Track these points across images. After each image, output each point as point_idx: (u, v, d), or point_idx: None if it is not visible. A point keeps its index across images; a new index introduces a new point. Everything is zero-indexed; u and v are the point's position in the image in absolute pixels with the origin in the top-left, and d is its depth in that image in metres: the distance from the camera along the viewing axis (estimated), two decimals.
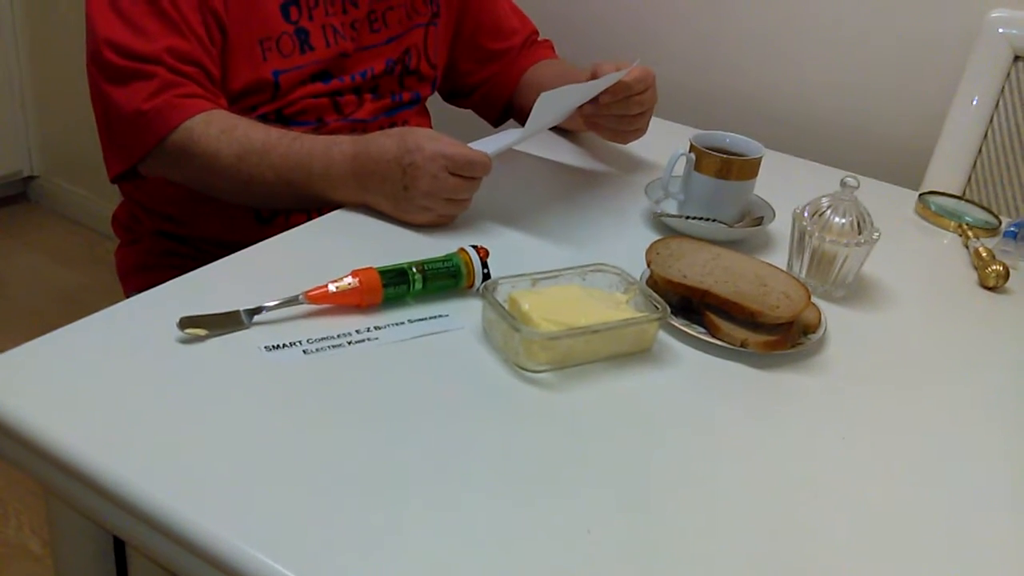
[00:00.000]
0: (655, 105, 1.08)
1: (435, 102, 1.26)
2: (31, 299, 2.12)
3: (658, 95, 1.08)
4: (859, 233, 0.88)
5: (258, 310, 0.74)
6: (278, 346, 0.71)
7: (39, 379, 0.65)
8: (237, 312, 0.73)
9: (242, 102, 1.02)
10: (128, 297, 1.15)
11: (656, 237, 0.93)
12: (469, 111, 1.32)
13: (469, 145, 0.92)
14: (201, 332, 0.71)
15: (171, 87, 0.94)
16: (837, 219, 0.88)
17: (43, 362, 0.68)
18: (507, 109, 1.28)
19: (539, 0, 1.42)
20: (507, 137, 0.97)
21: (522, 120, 1.24)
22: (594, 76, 1.03)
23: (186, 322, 0.71)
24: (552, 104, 0.93)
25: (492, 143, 0.94)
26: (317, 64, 1.05)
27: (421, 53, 1.16)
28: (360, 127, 1.09)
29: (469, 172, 0.89)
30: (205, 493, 0.57)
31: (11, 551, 1.49)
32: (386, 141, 0.91)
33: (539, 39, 1.29)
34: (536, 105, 0.91)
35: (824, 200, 0.90)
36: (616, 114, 1.06)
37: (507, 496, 0.61)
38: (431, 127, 1.22)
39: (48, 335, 0.70)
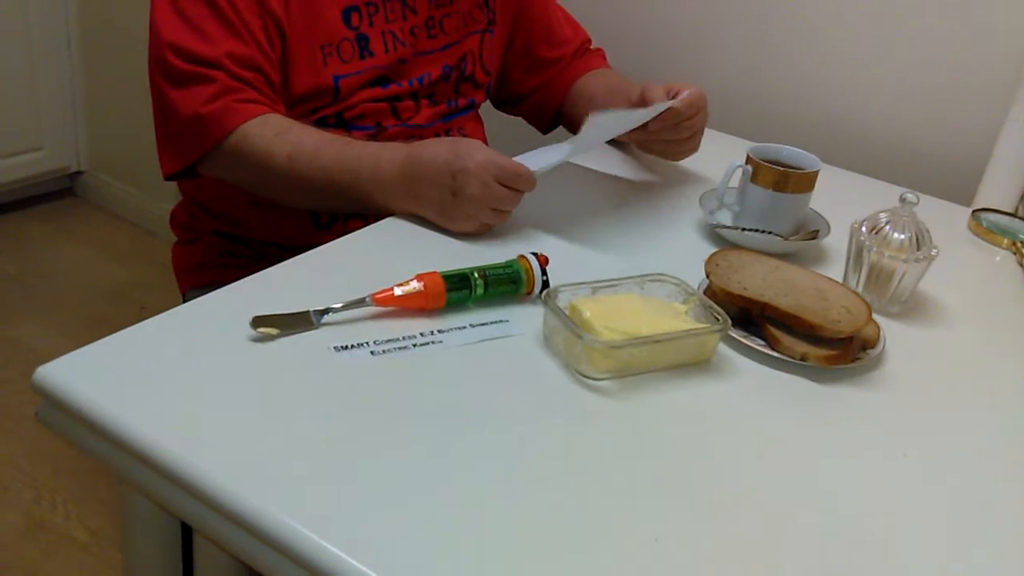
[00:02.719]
0: (706, 124, 1.09)
1: (487, 110, 1.27)
2: (77, 292, 2.16)
3: (712, 105, 1.08)
4: (918, 249, 0.88)
5: (326, 311, 0.75)
6: (347, 347, 0.73)
7: (116, 373, 0.67)
8: (307, 312, 0.75)
9: (303, 106, 1.04)
10: (184, 295, 1.18)
11: (710, 248, 0.94)
12: (520, 120, 1.33)
13: (514, 159, 0.93)
14: (273, 331, 0.72)
15: (230, 92, 0.95)
16: (896, 235, 0.88)
17: (119, 357, 0.69)
18: (557, 117, 1.29)
19: (591, 8, 1.43)
20: (552, 154, 0.98)
21: (572, 129, 1.25)
22: (643, 99, 1.04)
23: (258, 321, 0.72)
24: (600, 126, 0.94)
25: (536, 160, 0.95)
26: (376, 69, 1.06)
27: (476, 60, 1.18)
28: (417, 132, 1.11)
29: (516, 184, 0.91)
30: (273, 484, 0.59)
31: (59, 539, 1.52)
32: (438, 147, 0.92)
33: (592, 48, 1.30)
34: (585, 125, 0.92)
35: (882, 215, 0.90)
36: (666, 139, 1.07)
37: (568, 502, 0.62)
38: (484, 134, 1.23)
39: (124, 331, 0.72)
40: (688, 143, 1.10)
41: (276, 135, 0.95)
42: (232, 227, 1.14)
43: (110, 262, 2.30)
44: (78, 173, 2.58)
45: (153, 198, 2.35)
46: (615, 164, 1.20)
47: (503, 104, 1.32)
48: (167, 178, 1.05)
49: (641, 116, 1.01)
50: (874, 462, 0.70)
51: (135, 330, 0.71)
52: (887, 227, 0.89)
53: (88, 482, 1.62)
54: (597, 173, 1.17)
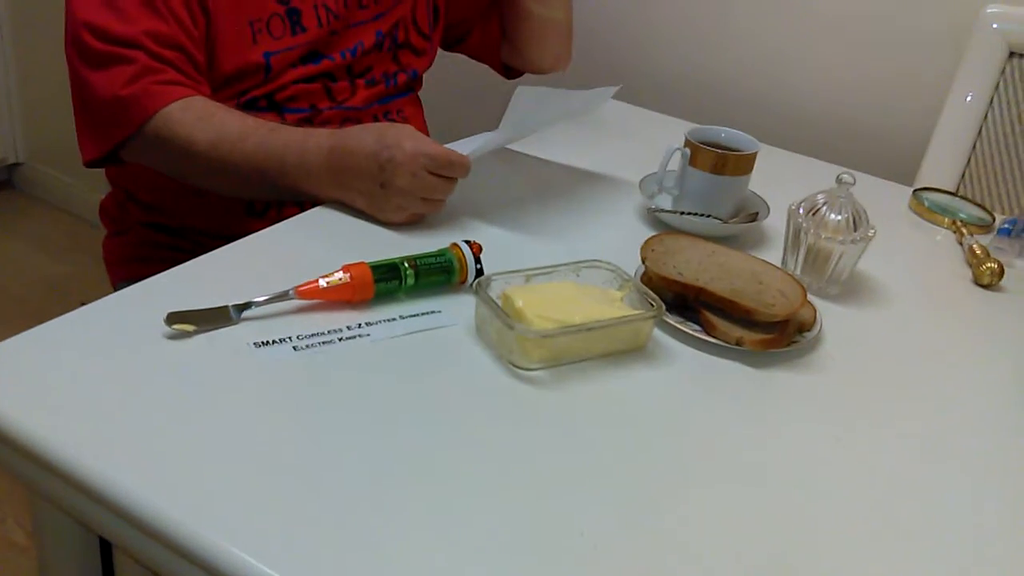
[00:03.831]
0: None
1: (427, 96, 1.24)
2: (16, 287, 2.10)
3: (653, 88, 1.06)
4: (854, 230, 0.87)
5: (247, 305, 0.73)
6: (267, 342, 0.70)
7: (22, 376, 0.64)
8: (226, 307, 0.72)
9: (233, 86, 1.00)
10: (116, 288, 1.14)
11: (650, 233, 0.93)
12: (462, 103, 1.30)
13: (447, 146, 0.90)
14: (189, 328, 0.69)
15: (150, 73, 0.92)
16: (833, 216, 0.87)
17: (27, 358, 0.66)
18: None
19: None
20: (485, 140, 0.95)
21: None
22: None
23: (173, 317, 0.69)
24: (531, 102, 0.91)
25: (469, 145, 0.93)
26: (308, 45, 1.03)
27: (410, 24, 1.14)
28: (353, 115, 1.08)
29: (449, 172, 0.88)
30: (191, 493, 0.56)
31: None
32: (364, 136, 0.89)
33: None
34: (513, 99, 0.89)
35: (819, 197, 0.89)
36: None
37: (499, 496, 0.60)
38: (424, 118, 1.21)
39: (31, 330, 0.68)
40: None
41: (199, 119, 0.92)
42: (162, 217, 1.10)
43: (49, 256, 2.23)
44: (16, 165, 2.50)
45: (94, 189, 2.28)
46: (554, 148, 1.18)
47: (453, 43, 1.29)
48: (87, 164, 1.01)
49: (576, 100, 0.99)
50: (807, 446, 0.69)
51: (40, 330, 0.68)
52: (824, 208, 0.88)
53: (25, 488, 1.57)
54: (535, 159, 1.15)
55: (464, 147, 0.92)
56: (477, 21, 1.25)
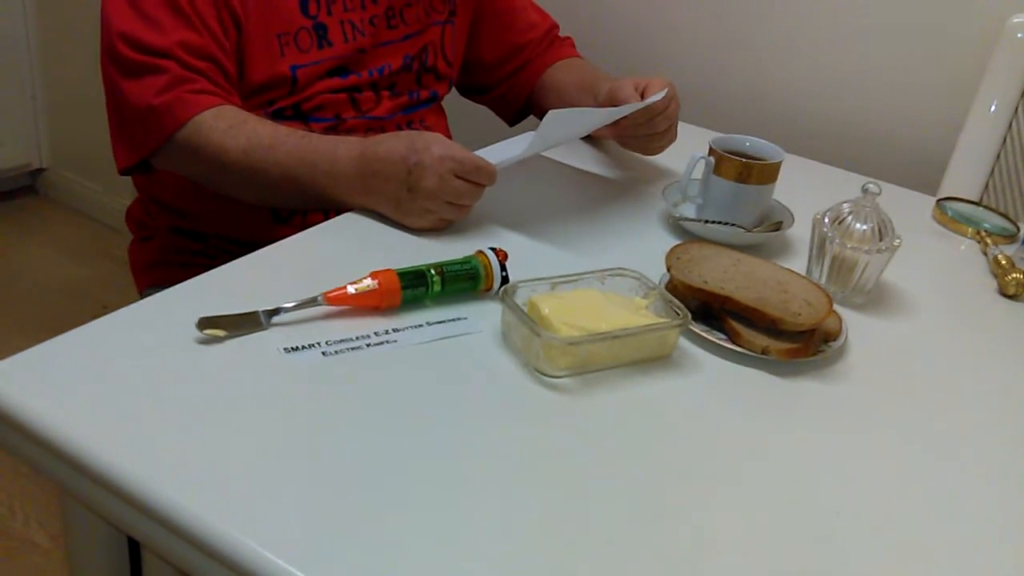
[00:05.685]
0: (679, 113, 1.08)
1: (451, 103, 1.25)
2: (40, 292, 2.12)
3: (678, 97, 1.07)
4: (880, 240, 0.87)
5: (277, 311, 0.73)
6: (297, 348, 0.71)
7: (56, 378, 0.65)
8: (256, 313, 0.73)
9: (260, 97, 1.02)
10: (141, 293, 1.15)
11: (673, 241, 0.93)
12: (485, 111, 1.31)
13: (476, 153, 0.91)
14: (220, 333, 0.70)
15: (182, 83, 0.93)
16: (858, 225, 0.87)
17: (60, 361, 0.67)
18: (524, 108, 1.27)
19: (556, 2, 1.41)
20: (514, 149, 0.96)
21: (540, 118, 1.23)
22: (612, 97, 1.02)
23: (205, 323, 0.70)
24: (561, 123, 0.92)
25: (498, 154, 0.94)
26: (335, 60, 1.04)
27: (438, 51, 1.16)
28: (377, 125, 1.09)
29: (476, 178, 0.89)
30: (221, 495, 0.57)
31: (18, 544, 1.48)
32: (395, 142, 0.90)
33: (560, 36, 1.28)
34: (544, 121, 0.90)
35: (845, 206, 0.89)
36: (644, 134, 1.06)
37: (525, 502, 0.60)
38: (447, 127, 1.21)
39: (65, 334, 0.69)
40: (666, 135, 1.09)
41: (230, 127, 0.93)
42: (188, 223, 1.11)
43: (72, 261, 2.25)
44: (40, 170, 2.53)
45: (117, 194, 2.31)
46: (579, 157, 1.18)
47: (471, 92, 1.30)
48: (122, 172, 1.02)
49: (605, 116, 0.99)
50: (833, 456, 0.69)
51: (74, 334, 0.69)
52: (849, 218, 0.88)
53: (48, 485, 1.58)
54: (560, 166, 1.15)
55: (492, 154, 0.92)
56: (504, 80, 1.25)
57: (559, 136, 1.04)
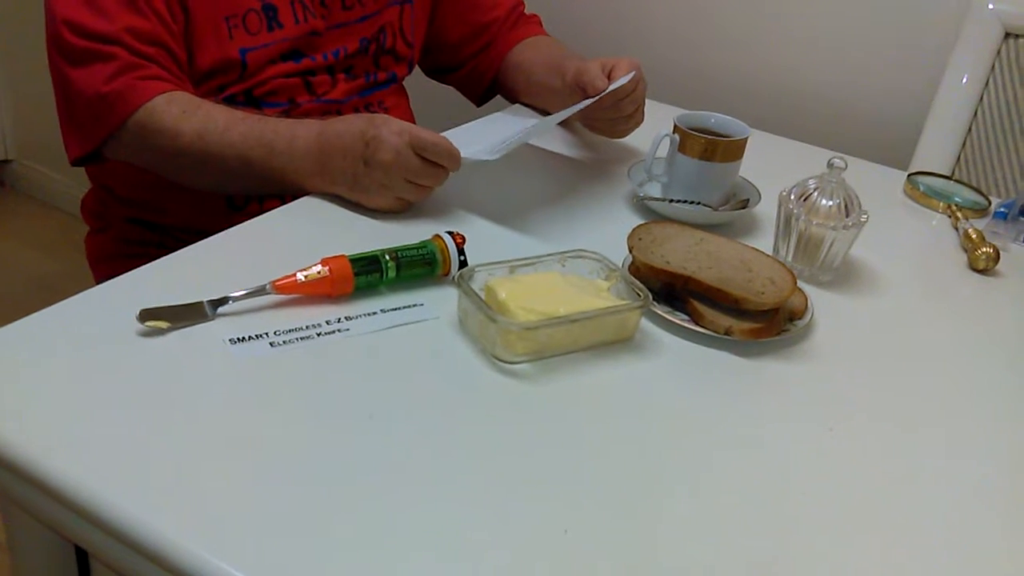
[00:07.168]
0: (646, 94, 1.06)
1: (415, 85, 1.22)
2: (5, 285, 2.08)
3: (644, 74, 1.05)
4: (846, 216, 0.86)
5: (223, 301, 0.71)
6: (243, 339, 0.68)
7: None
8: (200, 303, 0.70)
9: (210, 82, 0.99)
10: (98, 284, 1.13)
11: (639, 221, 0.91)
12: (452, 92, 1.28)
13: (442, 135, 0.88)
14: (162, 325, 0.68)
15: (132, 69, 0.90)
16: (824, 201, 0.86)
17: None
18: (490, 88, 1.24)
19: None
20: (482, 138, 0.93)
21: (509, 99, 1.21)
22: (577, 78, 1.00)
23: (146, 314, 0.67)
24: (524, 119, 0.90)
25: (464, 139, 0.90)
26: (286, 42, 1.01)
27: (396, 32, 1.13)
28: (333, 108, 1.06)
29: (434, 156, 0.86)
30: (164, 497, 0.55)
31: None
32: (354, 119, 0.89)
33: (527, 14, 1.25)
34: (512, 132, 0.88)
35: (811, 182, 0.87)
36: (611, 117, 1.04)
37: (482, 492, 0.58)
38: (409, 108, 1.19)
39: (6, 327, 0.67)
40: (632, 118, 1.07)
41: (184, 112, 0.90)
42: (143, 213, 1.08)
43: (39, 253, 2.21)
44: (6, 162, 2.48)
45: (84, 186, 2.25)
46: (543, 138, 1.16)
47: (436, 73, 1.27)
48: (73, 163, 0.99)
49: (567, 115, 0.97)
50: (797, 437, 0.68)
51: (16, 327, 0.67)
52: (815, 194, 0.86)
53: None
54: (524, 147, 1.12)
55: (459, 141, 0.89)
56: (469, 59, 1.22)
57: (525, 133, 1.01)
